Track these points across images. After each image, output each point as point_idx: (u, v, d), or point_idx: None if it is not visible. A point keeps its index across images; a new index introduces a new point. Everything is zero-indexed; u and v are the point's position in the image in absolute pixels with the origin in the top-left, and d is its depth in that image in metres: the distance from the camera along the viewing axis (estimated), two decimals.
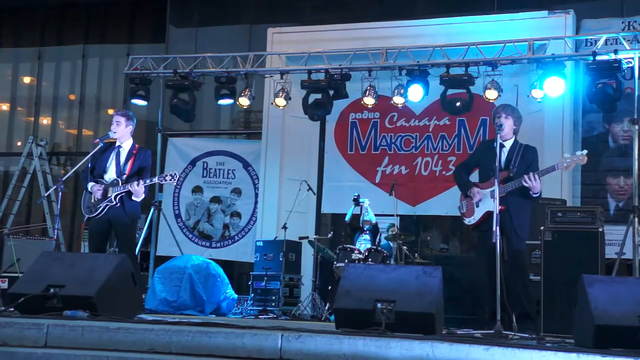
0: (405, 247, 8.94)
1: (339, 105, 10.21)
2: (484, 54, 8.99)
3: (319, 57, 9.78)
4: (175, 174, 6.75)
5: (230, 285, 8.51)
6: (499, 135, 5.79)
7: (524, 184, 5.82)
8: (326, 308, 8.51)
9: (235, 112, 12.79)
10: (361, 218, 9.36)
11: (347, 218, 9.60)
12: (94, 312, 4.79)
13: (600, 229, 6.25)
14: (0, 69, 14.69)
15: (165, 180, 6.77)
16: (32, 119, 14.40)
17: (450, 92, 9.12)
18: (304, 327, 4.66)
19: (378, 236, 9.55)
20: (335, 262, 8.76)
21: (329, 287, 8.71)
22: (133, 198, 6.57)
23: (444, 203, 10.06)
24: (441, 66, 9.12)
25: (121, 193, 6.52)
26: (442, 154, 10.45)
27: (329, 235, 10.02)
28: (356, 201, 9.42)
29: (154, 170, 8.94)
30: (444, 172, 10.32)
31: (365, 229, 9.30)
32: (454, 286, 7.82)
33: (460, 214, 6.35)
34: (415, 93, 9.20)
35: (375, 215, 9.69)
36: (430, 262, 8.60)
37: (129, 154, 6.70)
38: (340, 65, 9.56)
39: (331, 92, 9.55)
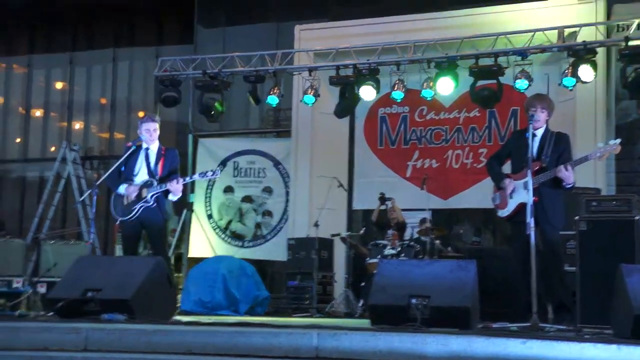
0: (438, 241, 8.88)
1: (368, 101, 10.17)
2: (513, 43, 8.89)
3: (346, 53, 9.76)
4: (217, 169, 6.79)
5: (263, 284, 8.54)
6: (531, 127, 5.72)
7: (558, 175, 5.74)
8: (360, 305, 8.50)
9: (264, 110, 12.81)
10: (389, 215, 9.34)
11: (373, 217, 9.61)
12: (131, 315, 4.84)
13: (637, 218, 6.14)
14: (33, 75, 14.87)
15: (207, 175, 6.79)
16: (65, 124, 14.56)
17: (479, 83, 9.04)
18: (339, 324, 4.66)
19: (408, 232, 9.51)
20: (367, 258, 8.74)
21: (362, 284, 8.69)
22: (170, 197, 6.58)
23: (475, 195, 9.97)
24: (470, 58, 9.04)
25: (158, 193, 6.53)
26: (472, 146, 10.36)
27: (361, 231, 10.00)
28: (382, 199, 9.39)
29: (185, 171, 9.00)
30: (475, 165, 10.22)
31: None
32: (488, 279, 7.70)
33: (494, 205, 6.28)
34: (445, 85, 9.14)
35: (407, 210, 9.65)
36: (464, 255, 8.53)
37: (159, 155, 6.70)
38: (368, 60, 9.53)
39: (360, 87, 9.52)
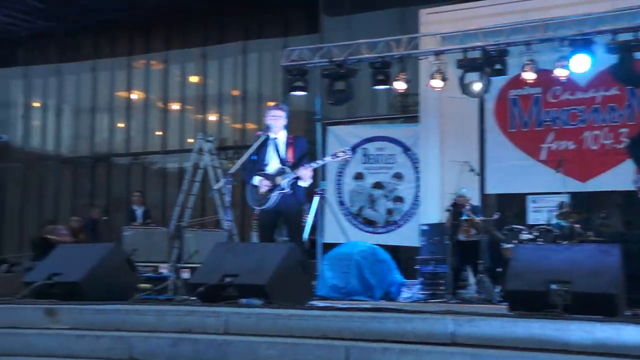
0: (577, 225, 8.55)
1: (497, 83, 9.93)
2: None
3: (474, 35, 9.55)
4: (347, 149, 6.78)
5: (397, 270, 8.51)
6: None
7: None
8: (497, 291, 8.32)
9: (392, 96, 12.78)
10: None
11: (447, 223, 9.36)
12: (267, 300, 4.95)
13: None
14: (170, 70, 15.52)
15: (338, 156, 6.79)
16: (201, 116, 15.14)
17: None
18: (475, 310, 4.57)
19: (545, 216, 9.22)
20: (503, 244, 8.55)
21: (498, 269, 8.51)
22: (300, 183, 6.63)
23: (616, 177, 9.51)
24: (607, 33, 8.61)
25: (292, 179, 6.60)
26: (612, 126, 9.91)
27: (495, 216, 9.75)
28: (455, 206, 9.16)
29: (314, 159, 9.08)
30: (615, 145, 9.77)
31: None
32: (635, 264, 7.35)
33: (636, 188, 5.98)
34: (580, 64, 8.78)
35: (542, 193, 9.35)
36: (606, 240, 8.16)
37: (287, 144, 6.75)
38: (497, 41, 9.28)
39: (488, 70, 9.31)
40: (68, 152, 16.48)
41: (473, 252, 8.81)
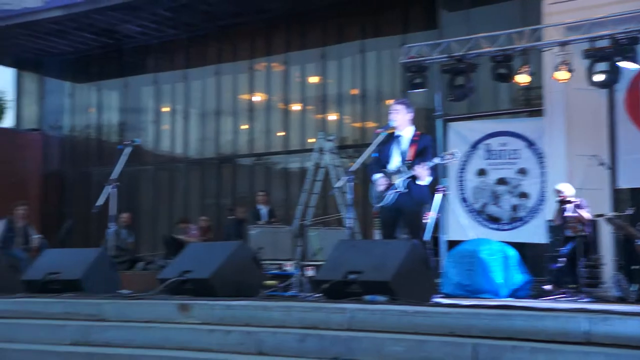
0: None
1: (628, 72, 9.48)
2: None
3: (601, 23, 9.17)
4: (454, 152, 6.75)
5: (524, 267, 8.30)
6: None
7: None
8: (633, 289, 7.96)
9: (514, 90, 12.47)
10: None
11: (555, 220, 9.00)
12: (392, 297, 4.96)
13: None
14: (290, 71, 15.80)
15: (445, 159, 6.78)
16: (321, 116, 15.32)
17: None
18: (610, 309, 4.40)
19: None
20: (637, 240, 8.17)
21: (633, 267, 8.14)
22: (417, 182, 6.61)
23: None
24: None
25: (407, 179, 6.59)
26: None
27: (628, 211, 9.33)
28: (562, 202, 8.73)
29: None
30: None
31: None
32: None
33: None
34: None
35: None
36: None
37: (411, 141, 6.73)
38: (627, 28, 8.87)
39: (618, 59, 8.92)
40: (195, 154, 17.09)
41: (582, 248, 8.52)
